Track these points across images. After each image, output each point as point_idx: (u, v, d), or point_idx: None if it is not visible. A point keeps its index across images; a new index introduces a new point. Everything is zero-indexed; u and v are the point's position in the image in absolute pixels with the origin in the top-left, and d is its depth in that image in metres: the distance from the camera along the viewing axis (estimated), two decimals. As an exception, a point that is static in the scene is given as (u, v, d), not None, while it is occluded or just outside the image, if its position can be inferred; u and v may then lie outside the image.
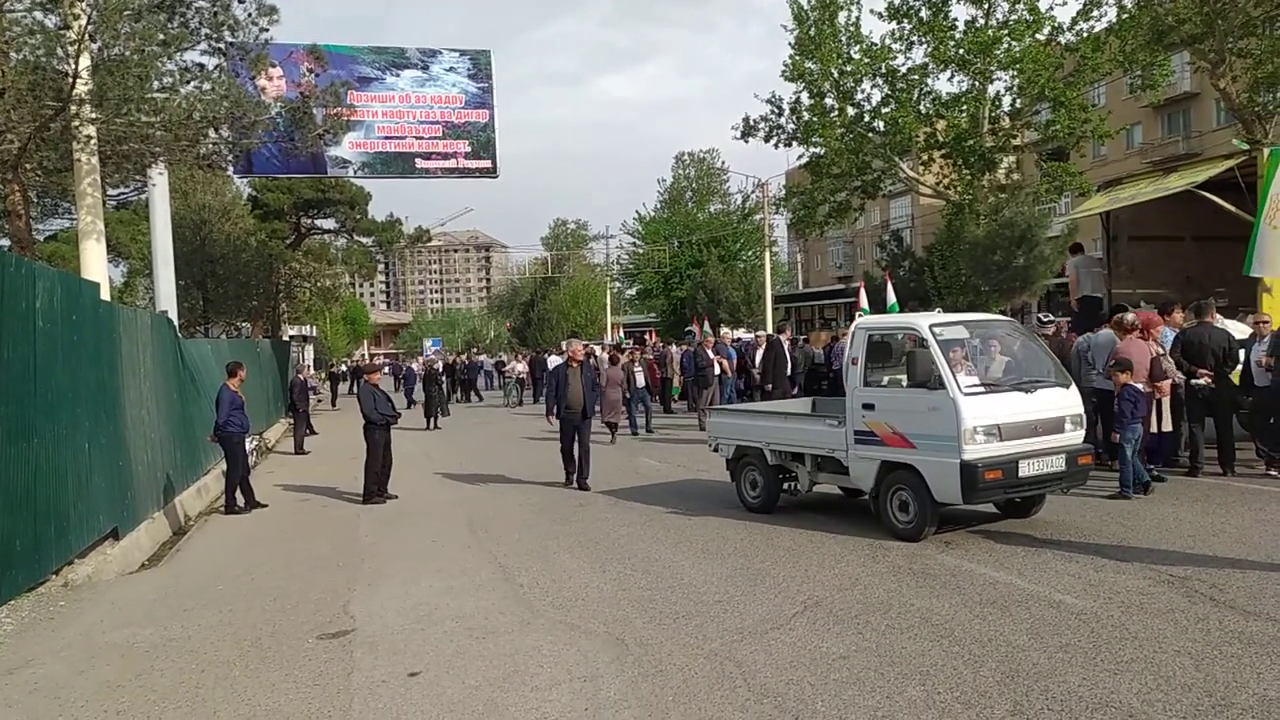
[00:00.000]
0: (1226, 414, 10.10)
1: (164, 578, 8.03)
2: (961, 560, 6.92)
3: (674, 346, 24.77)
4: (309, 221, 36.18)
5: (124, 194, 18.89)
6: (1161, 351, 9.72)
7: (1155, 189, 12.58)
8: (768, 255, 39.58)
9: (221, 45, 12.35)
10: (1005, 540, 7.48)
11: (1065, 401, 7.85)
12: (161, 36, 11.09)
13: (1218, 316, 11.01)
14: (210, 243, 26.31)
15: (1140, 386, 9.19)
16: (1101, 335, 10.51)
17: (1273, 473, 9.73)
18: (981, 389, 7.52)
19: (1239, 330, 10.77)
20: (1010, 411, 7.46)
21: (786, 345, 17.26)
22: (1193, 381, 9.85)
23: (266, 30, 12.33)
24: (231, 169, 20.22)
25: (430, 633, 5.87)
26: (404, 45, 24.12)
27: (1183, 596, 5.73)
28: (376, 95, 23.41)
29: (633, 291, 55.43)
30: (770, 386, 15.98)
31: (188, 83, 12.08)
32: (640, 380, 18.63)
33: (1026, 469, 7.41)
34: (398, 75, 23.61)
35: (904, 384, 7.74)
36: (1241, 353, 10.17)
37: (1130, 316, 10.07)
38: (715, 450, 10.11)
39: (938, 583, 6.34)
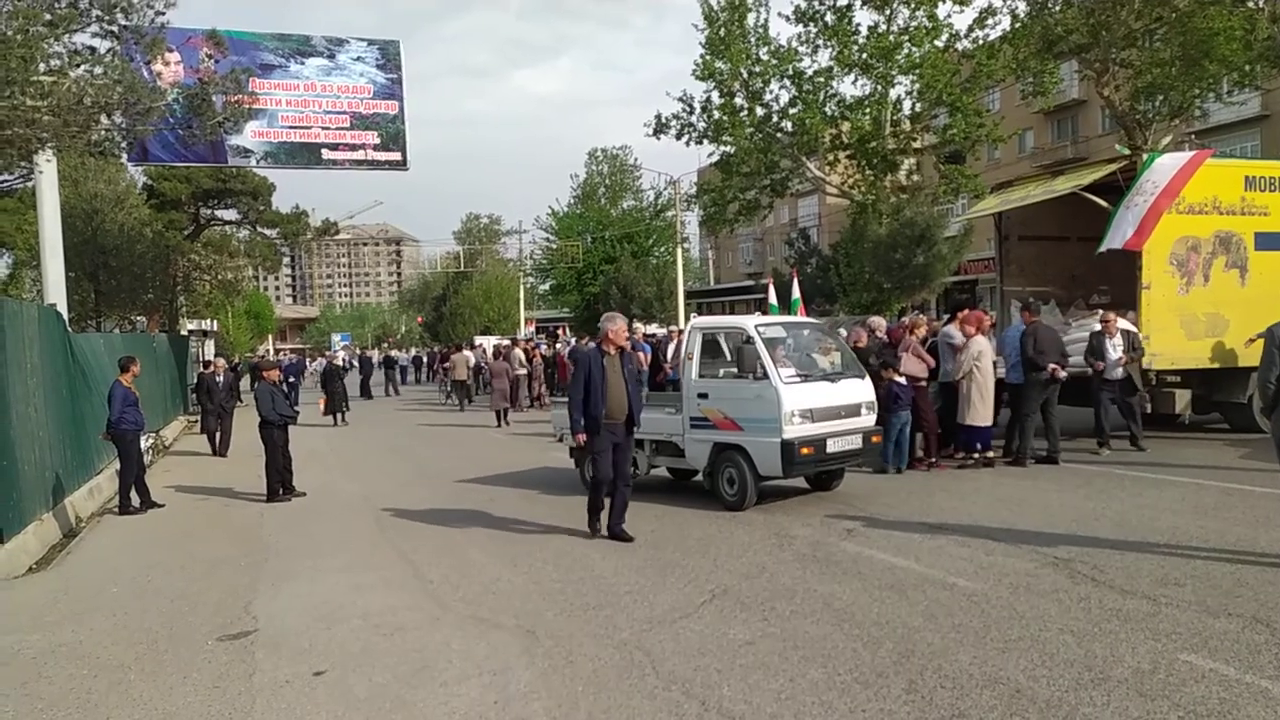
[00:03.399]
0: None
1: (53, 581, 7.68)
2: (863, 547, 7.16)
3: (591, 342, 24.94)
4: (209, 212, 34.87)
5: (8, 181, 17.88)
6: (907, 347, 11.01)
7: (1044, 191, 13.12)
8: (680, 251, 39.95)
9: (114, 28, 11.81)
10: (904, 528, 7.77)
11: (862, 390, 9.26)
12: (48, 16, 10.57)
13: (1099, 312, 11.72)
14: (103, 233, 25.15)
15: (902, 380, 10.44)
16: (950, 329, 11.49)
17: (1104, 452, 10.95)
18: (798, 379, 8.78)
19: (1125, 327, 11.40)
20: (820, 398, 8.79)
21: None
22: (1059, 374, 10.62)
23: (163, 13, 11.86)
24: (125, 157, 19.41)
25: (336, 631, 5.79)
26: (309, 33, 23.51)
27: (1066, 577, 6.05)
28: (280, 83, 22.73)
29: (546, 287, 55.15)
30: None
31: (78, 66, 11.53)
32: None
33: (833, 446, 8.75)
34: (302, 63, 22.97)
35: (734, 375, 8.76)
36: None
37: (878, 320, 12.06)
38: (560, 440, 10.83)
39: (840, 569, 6.56)
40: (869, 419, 9.24)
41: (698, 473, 9.46)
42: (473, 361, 28.14)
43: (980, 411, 10.57)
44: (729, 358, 9.12)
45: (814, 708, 4.24)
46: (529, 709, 4.42)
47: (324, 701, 4.67)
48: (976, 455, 10.79)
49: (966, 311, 11.37)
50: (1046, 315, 12.42)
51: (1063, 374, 10.61)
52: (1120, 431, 11.37)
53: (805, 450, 8.47)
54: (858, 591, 5.98)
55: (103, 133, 12.61)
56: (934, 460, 10.83)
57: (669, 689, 4.56)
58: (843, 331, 13.61)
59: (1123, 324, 11.35)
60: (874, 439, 9.28)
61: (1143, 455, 10.90)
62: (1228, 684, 4.25)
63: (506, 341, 27.59)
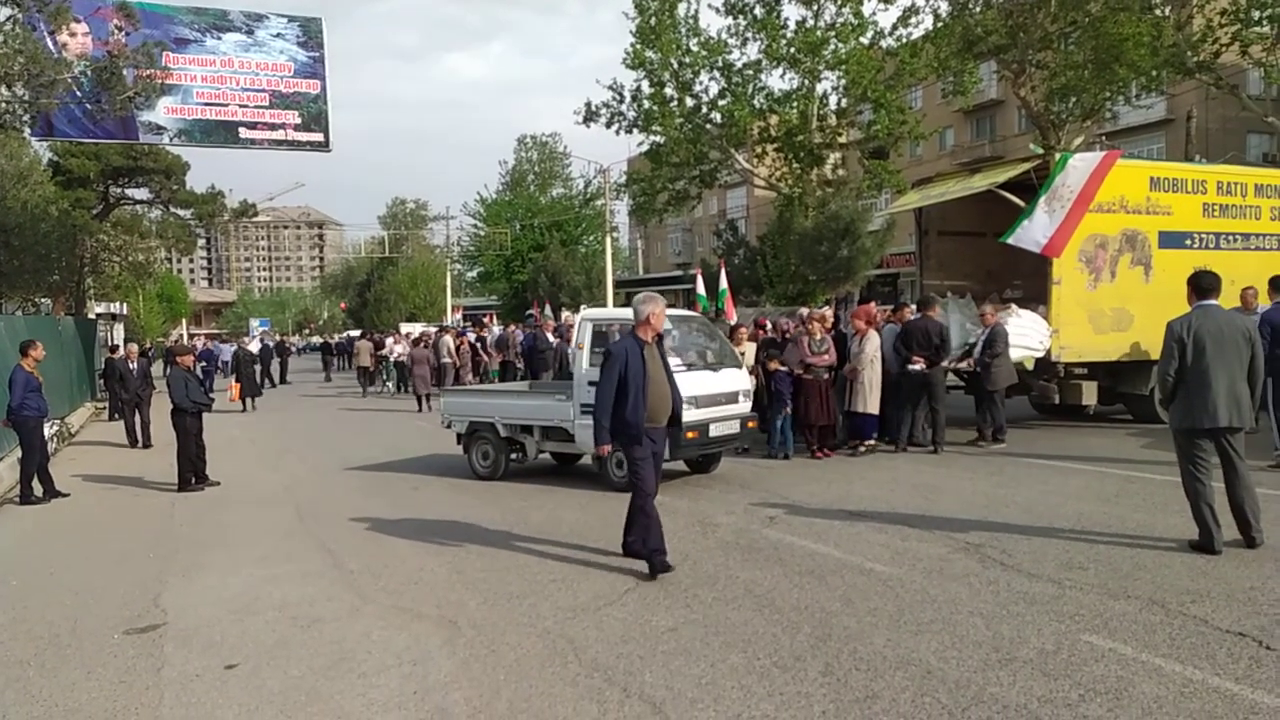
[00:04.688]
0: (939, 395, 11.33)
1: (-54, 576, 7.33)
2: (784, 534, 7.28)
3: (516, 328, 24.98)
4: (119, 191, 33.40)
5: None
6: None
7: (962, 188, 13.44)
8: (609, 240, 39.85)
9: (15, -6, 11.29)
10: (824, 515, 7.92)
11: (739, 379, 9.98)
12: (-59, -20, 10.03)
13: (1012, 306, 12.10)
14: (4, 210, 23.92)
15: (785, 371, 10.92)
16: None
17: (980, 444, 11.33)
18: (685, 368, 9.19)
19: (1036, 321, 11.79)
20: (704, 386, 9.38)
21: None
22: (909, 368, 11.03)
23: (68, -19, 11.38)
24: (28, 131, 18.52)
25: (250, 623, 5.65)
26: (227, 8, 22.73)
27: (977, 562, 6.25)
28: (196, 58, 21.97)
29: (474, 274, 54.60)
30: None
31: (-26, 33, 10.97)
32: None
33: (715, 431, 9.40)
34: (219, 39, 22.24)
35: None
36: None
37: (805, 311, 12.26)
38: (448, 427, 11.14)
39: (762, 556, 6.66)
40: (745, 405, 9.96)
41: (582, 456, 9.77)
42: (398, 350, 27.69)
43: (871, 401, 10.91)
44: None
45: (733, 691, 4.30)
46: (449, 699, 4.39)
47: (235, 695, 4.56)
48: (865, 443, 11.12)
49: (858, 307, 11.68)
50: (962, 308, 12.75)
51: (916, 366, 10.97)
52: (1032, 420, 11.75)
53: (691, 434, 9.00)
54: (778, 578, 6.08)
55: (3, 105, 12.02)
56: (815, 448, 11.07)
57: (591, 676, 4.57)
58: (768, 324, 13.84)
59: (1019, 319, 11.68)
60: (750, 424, 9.94)
61: (1048, 445, 11.29)
62: (1125, 662, 4.44)
63: (433, 329, 27.25)
